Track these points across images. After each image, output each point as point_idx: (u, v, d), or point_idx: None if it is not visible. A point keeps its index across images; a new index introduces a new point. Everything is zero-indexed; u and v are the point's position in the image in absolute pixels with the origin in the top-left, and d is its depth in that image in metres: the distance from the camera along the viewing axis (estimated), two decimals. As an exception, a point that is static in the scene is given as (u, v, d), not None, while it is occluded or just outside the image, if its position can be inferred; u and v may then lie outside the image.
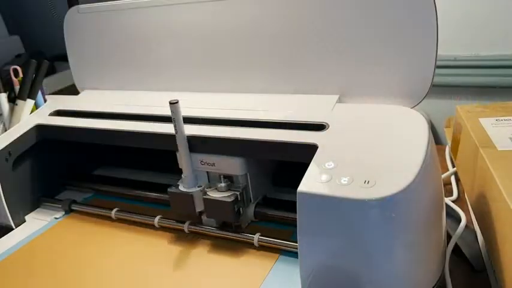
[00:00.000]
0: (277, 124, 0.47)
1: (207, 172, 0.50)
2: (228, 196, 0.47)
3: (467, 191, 0.51)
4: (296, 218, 0.46)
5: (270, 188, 0.55)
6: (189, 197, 0.48)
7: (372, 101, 0.50)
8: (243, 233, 0.48)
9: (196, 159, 0.48)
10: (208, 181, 0.50)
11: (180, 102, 0.45)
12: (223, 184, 0.48)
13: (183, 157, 0.48)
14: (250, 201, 0.50)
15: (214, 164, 0.48)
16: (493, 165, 0.41)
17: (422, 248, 0.37)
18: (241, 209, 0.48)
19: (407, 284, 0.36)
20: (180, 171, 0.50)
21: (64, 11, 0.68)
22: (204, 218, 0.50)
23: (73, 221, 0.57)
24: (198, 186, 0.49)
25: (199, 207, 0.49)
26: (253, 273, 0.44)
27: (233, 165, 0.47)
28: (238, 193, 0.47)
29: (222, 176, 0.49)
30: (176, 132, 0.46)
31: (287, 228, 0.49)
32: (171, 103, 0.44)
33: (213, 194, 0.48)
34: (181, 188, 0.49)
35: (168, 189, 0.49)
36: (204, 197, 0.48)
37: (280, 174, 0.55)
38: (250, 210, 0.50)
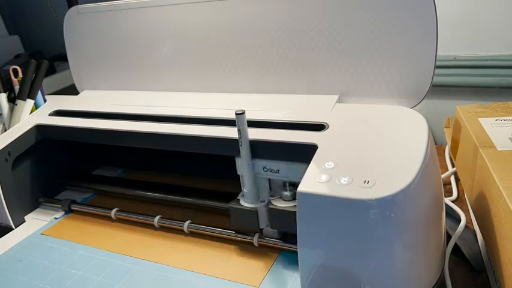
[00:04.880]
0: (277, 124, 0.47)
1: (269, 180, 0.46)
2: (295, 206, 0.41)
3: (467, 191, 0.51)
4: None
5: None
6: (253, 213, 0.45)
7: (372, 101, 0.50)
8: (244, 233, 0.48)
9: (259, 166, 0.45)
10: (270, 189, 0.46)
11: (179, 102, 0.44)
12: (288, 193, 0.45)
13: (245, 169, 0.44)
14: None
15: (278, 170, 0.44)
16: (493, 165, 0.41)
17: (422, 248, 0.37)
18: None
19: (407, 284, 0.36)
20: (180, 172, 0.50)
21: (64, 11, 0.68)
22: (266, 229, 0.47)
23: (73, 221, 0.57)
24: (261, 201, 0.45)
25: (263, 223, 0.46)
26: (252, 272, 0.44)
27: (300, 172, 0.42)
28: None
29: (287, 184, 0.45)
30: (241, 145, 0.43)
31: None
32: (237, 113, 0.41)
33: (279, 204, 0.44)
34: (242, 202, 0.46)
35: (229, 205, 0.46)
36: (269, 206, 0.44)
37: None
38: None
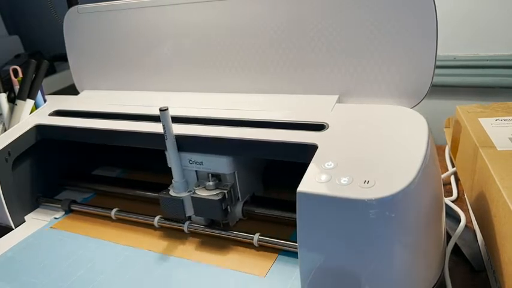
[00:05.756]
0: (277, 124, 0.47)
1: (196, 171, 0.50)
2: (216, 194, 0.47)
3: (467, 191, 0.51)
4: (282, 216, 0.48)
5: (259, 186, 0.55)
6: (179, 201, 0.48)
7: (372, 101, 0.50)
8: (244, 233, 0.48)
9: (184, 158, 0.49)
10: (197, 180, 0.50)
11: (179, 102, 0.45)
12: (211, 183, 0.49)
13: (172, 161, 0.48)
14: (238, 199, 0.51)
15: (202, 162, 0.48)
16: (493, 165, 0.41)
17: (422, 248, 0.37)
18: (228, 207, 0.49)
19: (407, 284, 0.36)
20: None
21: (64, 11, 0.68)
22: (192, 216, 0.51)
23: (72, 221, 0.57)
24: (188, 191, 0.49)
25: (189, 211, 0.49)
26: (252, 272, 0.44)
27: (221, 164, 0.48)
28: (225, 191, 0.48)
29: (210, 175, 0.49)
30: (166, 138, 0.47)
31: (286, 228, 0.49)
32: (161, 110, 0.45)
33: (201, 193, 0.48)
34: (171, 192, 0.49)
35: (159, 194, 0.50)
36: (192, 195, 0.48)
37: (269, 174, 0.56)
38: (238, 208, 0.51)
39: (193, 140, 0.48)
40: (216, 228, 0.50)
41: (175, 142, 0.47)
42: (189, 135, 0.48)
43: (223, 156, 0.47)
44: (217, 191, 0.48)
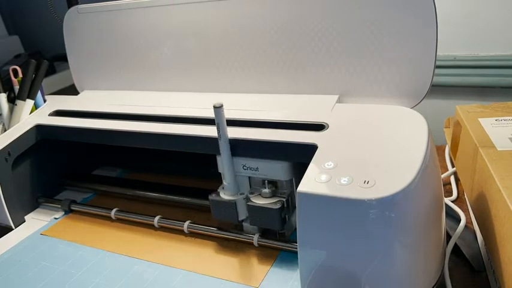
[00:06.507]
0: (277, 124, 0.47)
1: (249, 177, 0.47)
2: (274, 203, 0.45)
3: (467, 191, 0.51)
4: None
5: None
6: (232, 205, 0.46)
7: (372, 101, 0.50)
8: (243, 233, 0.48)
9: (238, 164, 0.46)
10: (250, 187, 0.48)
11: (179, 101, 0.44)
12: (267, 190, 0.46)
13: (224, 163, 0.45)
14: (295, 208, 0.47)
15: (257, 168, 0.45)
16: (493, 165, 0.41)
17: (422, 248, 0.37)
18: (286, 216, 0.46)
19: (407, 284, 0.36)
20: (180, 172, 0.50)
21: (64, 11, 0.68)
22: (246, 225, 0.48)
23: (72, 221, 0.57)
24: (240, 194, 0.47)
25: (242, 215, 0.47)
26: (252, 272, 0.44)
27: (278, 170, 0.45)
28: (284, 200, 0.45)
29: (266, 182, 0.46)
30: (220, 138, 0.43)
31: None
32: (215, 107, 0.41)
33: (258, 201, 0.45)
34: (222, 195, 0.47)
35: (209, 197, 0.47)
36: (248, 203, 0.45)
37: None
38: (295, 217, 0.46)
39: (249, 144, 0.44)
40: (217, 229, 0.50)
41: (229, 145, 0.44)
42: (245, 139, 0.44)
43: (281, 161, 0.44)
44: (275, 199, 0.45)
